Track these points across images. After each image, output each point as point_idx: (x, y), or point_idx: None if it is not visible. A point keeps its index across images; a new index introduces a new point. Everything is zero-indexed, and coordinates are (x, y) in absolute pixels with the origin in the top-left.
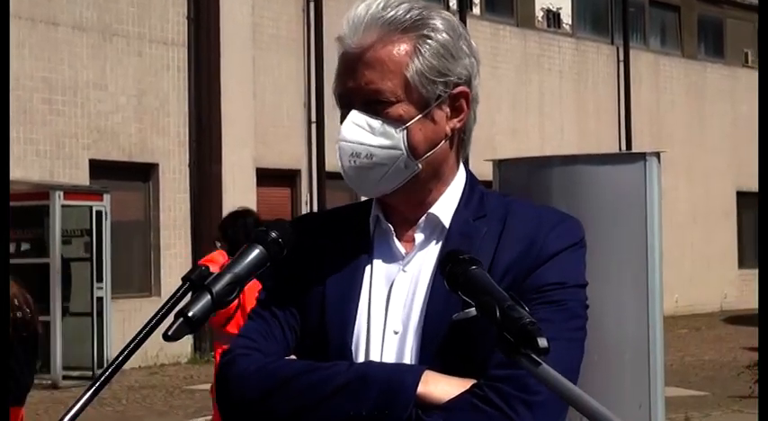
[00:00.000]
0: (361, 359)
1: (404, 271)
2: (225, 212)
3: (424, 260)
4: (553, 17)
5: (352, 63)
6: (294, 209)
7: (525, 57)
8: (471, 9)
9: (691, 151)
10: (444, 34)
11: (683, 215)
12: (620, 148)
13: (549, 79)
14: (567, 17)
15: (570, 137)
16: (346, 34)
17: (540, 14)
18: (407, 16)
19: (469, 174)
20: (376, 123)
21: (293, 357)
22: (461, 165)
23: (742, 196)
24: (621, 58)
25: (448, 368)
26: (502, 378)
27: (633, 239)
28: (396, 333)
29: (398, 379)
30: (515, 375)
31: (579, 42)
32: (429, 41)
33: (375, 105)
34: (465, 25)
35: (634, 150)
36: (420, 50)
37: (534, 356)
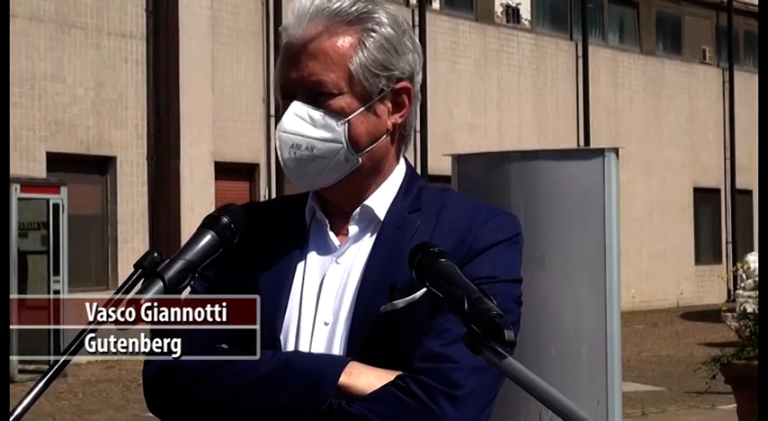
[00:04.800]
0: (290, 350)
1: (337, 263)
2: (183, 206)
3: (357, 252)
4: (512, 12)
5: (296, 54)
6: None
7: (484, 52)
8: (431, 3)
9: (648, 147)
10: (389, 28)
11: (640, 210)
12: (578, 144)
13: (508, 74)
14: (526, 12)
15: (528, 132)
16: (291, 25)
17: (499, 10)
18: (353, 9)
19: (409, 169)
20: (317, 115)
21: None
22: (402, 160)
23: (699, 192)
24: (580, 53)
25: (375, 359)
26: (425, 370)
27: (591, 234)
28: (326, 324)
29: (320, 369)
30: (439, 368)
31: (538, 38)
32: (373, 35)
33: (317, 97)
34: (424, 20)
35: (592, 146)
36: (364, 43)
37: (500, 349)
